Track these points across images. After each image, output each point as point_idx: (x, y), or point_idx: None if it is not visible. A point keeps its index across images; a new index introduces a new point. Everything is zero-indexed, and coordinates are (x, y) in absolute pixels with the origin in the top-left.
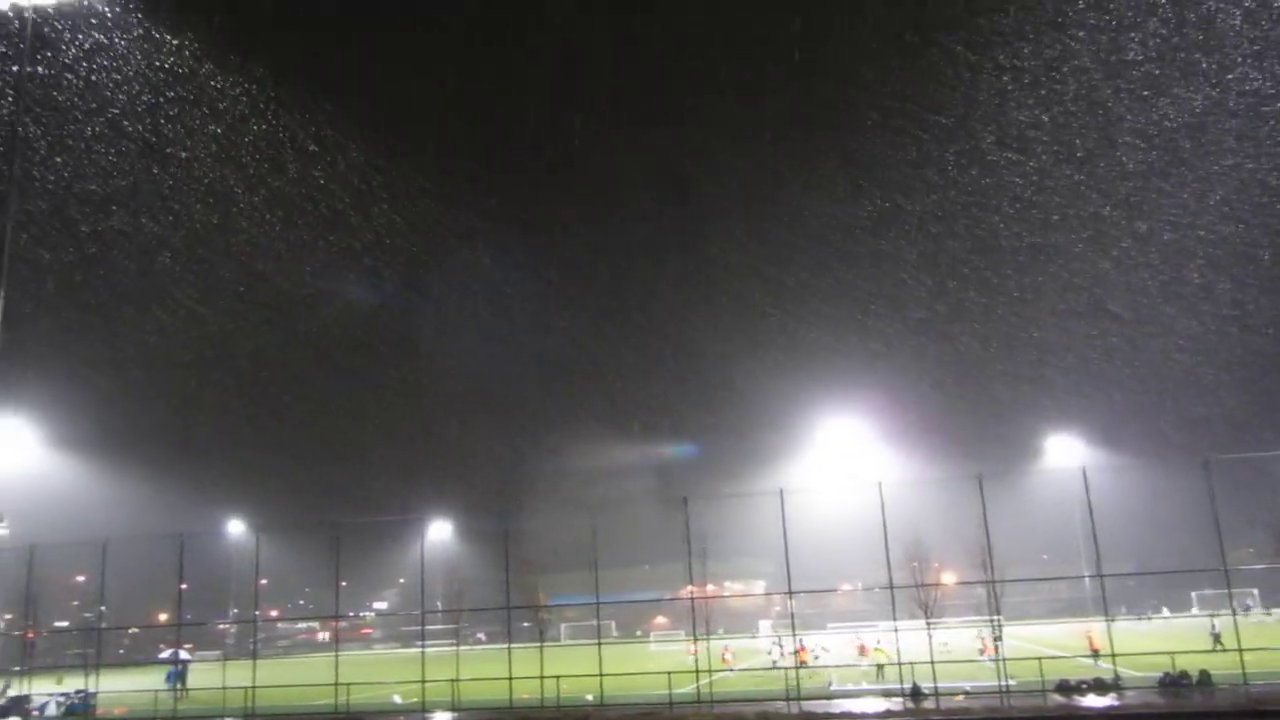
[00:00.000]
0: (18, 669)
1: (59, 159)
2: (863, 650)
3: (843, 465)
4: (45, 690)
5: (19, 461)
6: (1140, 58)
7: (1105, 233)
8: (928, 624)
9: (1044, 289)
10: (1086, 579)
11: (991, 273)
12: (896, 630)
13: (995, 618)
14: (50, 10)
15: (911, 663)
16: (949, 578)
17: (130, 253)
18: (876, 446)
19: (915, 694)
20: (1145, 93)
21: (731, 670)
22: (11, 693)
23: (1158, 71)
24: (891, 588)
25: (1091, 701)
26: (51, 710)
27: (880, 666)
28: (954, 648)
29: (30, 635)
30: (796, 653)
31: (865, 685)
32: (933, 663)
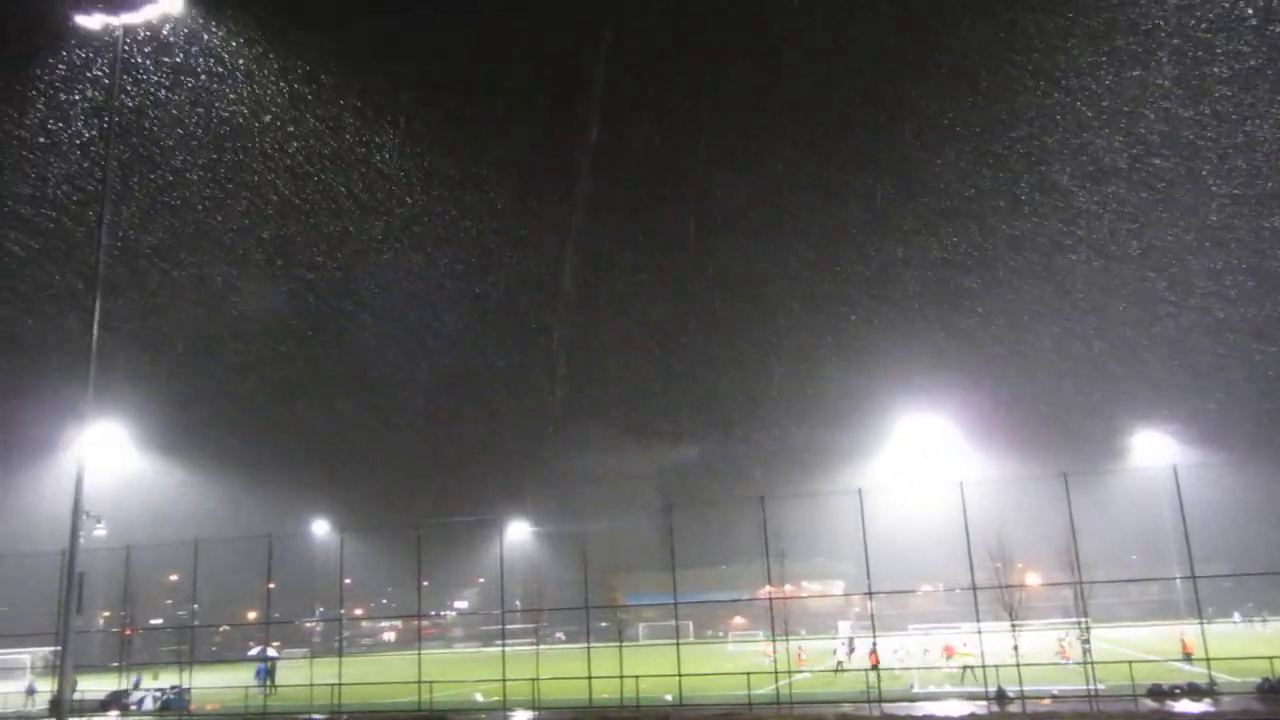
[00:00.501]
0: (116, 664)
1: (152, 175)
2: (948, 652)
3: (922, 464)
4: (142, 686)
5: (115, 465)
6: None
7: (1197, 229)
8: (1012, 626)
9: (1131, 283)
10: (1178, 580)
11: (1077, 267)
12: (980, 632)
13: (1082, 620)
14: (140, 29)
15: (996, 665)
16: (1033, 579)
17: (217, 259)
18: (957, 445)
19: (1000, 697)
20: (1233, 115)
21: (805, 672)
22: (112, 687)
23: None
24: (974, 589)
25: (1185, 707)
26: (148, 705)
27: (968, 669)
28: (1039, 650)
29: (128, 632)
30: (869, 655)
31: (948, 688)
32: (1018, 665)
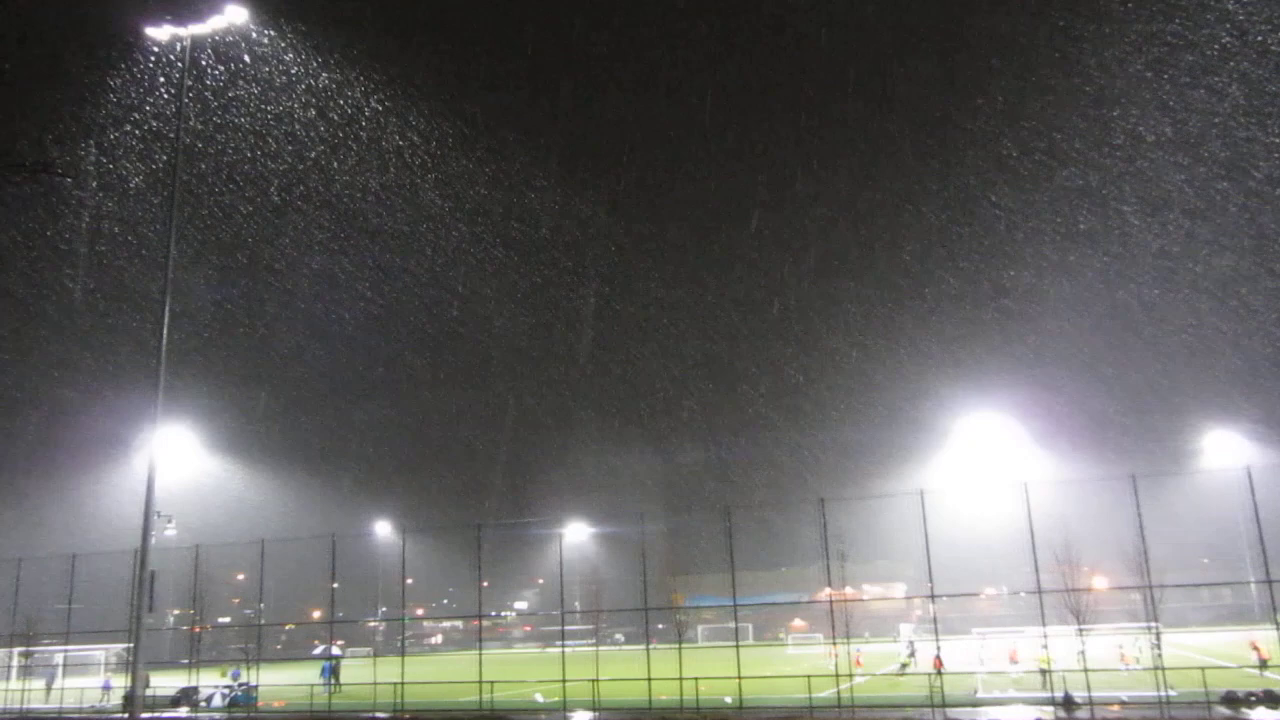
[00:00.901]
0: (186, 661)
1: (222, 186)
2: (1013, 657)
3: (986, 464)
4: (212, 682)
5: (185, 466)
6: None
7: (1273, 218)
8: (1080, 630)
9: (1201, 280)
10: (1253, 584)
11: (1146, 262)
12: (1046, 636)
13: (1153, 625)
14: (207, 39)
15: (1064, 670)
16: (1101, 582)
17: (283, 268)
18: (1022, 445)
19: (1068, 703)
20: None
21: (865, 675)
22: (181, 684)
23: None
24: (1040, 592)
25: (1261, 715)
26: (217, 701)
27: (1045, 672)
28: (1108, 656)
29: (197, 630)
30: (934, 660)
31: (1012, 692)
32: (1086, 671)
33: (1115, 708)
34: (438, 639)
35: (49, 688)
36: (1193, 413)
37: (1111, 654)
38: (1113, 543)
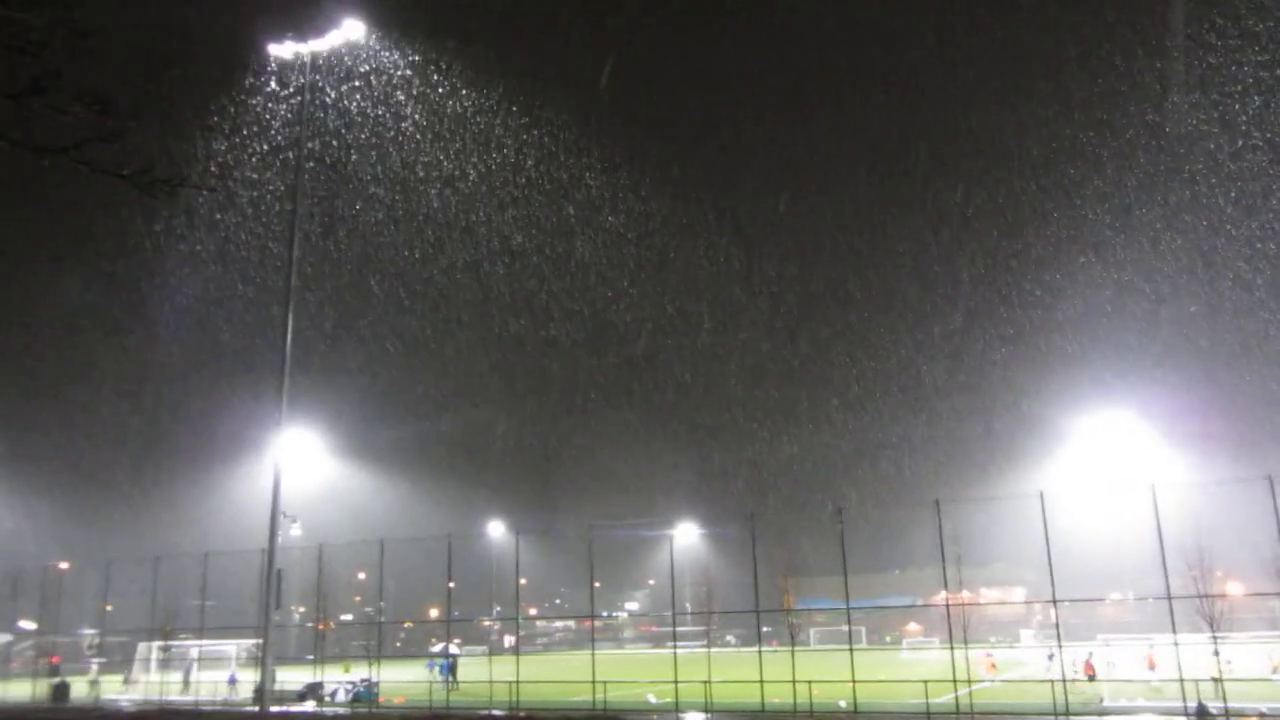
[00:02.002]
0: (311, 658)
1: (340, 200)
2: (1150, 663)
3: (1110, 465)
4: (335, 678)
5: (308, 469)
6: None
7: None
8: (1213, 638)
9: None
10: None
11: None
12: (1176, 644)
13: None
14: (325, 54)
15: (1195, 679)
16: (1236, 588)
17: (408, 273)
18: (1150, 444)
19: (1201, 714)
20: None
21: (986, 681)
22: (308, 679)
23: None
24: (1169, 598)
25: None
26: (340, 696)
27: (1181, 681)
28: (1245, 665)
29: (321, 627)
30: (1085, 666)
31: (1141, 701)
32: (1220, 680)
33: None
34: (551, 638)
35: (186, 681)
36: None
37: (1259, 663)
38: (1249, 547)
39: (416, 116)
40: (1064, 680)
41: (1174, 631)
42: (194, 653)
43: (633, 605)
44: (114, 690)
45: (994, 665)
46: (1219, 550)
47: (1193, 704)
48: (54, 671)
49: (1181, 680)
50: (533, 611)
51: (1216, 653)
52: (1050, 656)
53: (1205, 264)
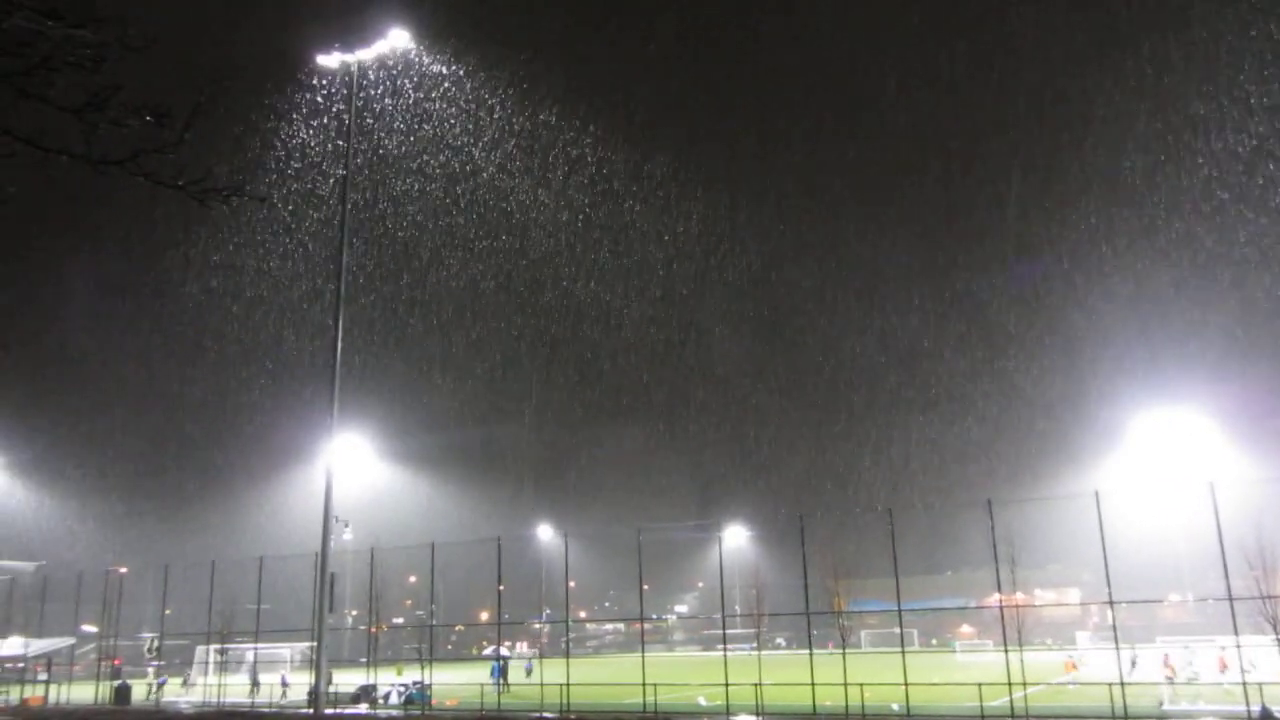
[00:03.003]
0: (364, 660)
1: (382, 203)
2: (1222, 665)
3: (1168, 463)
4: (388, 680)
5: (360, 473)
6: None
7: None
8: (1277, 639)
9: None
10: None
11: None
12: (1239, 646)
13: None
14: (371, 62)
15: (1260, 683)
16: None
17: (454, 275)
18: (1208, 441)
19: (1266, 717)
20: None
21: (1041, 685)
22: (361, 681)
23: None
24: (1230, 599)
25: None
26: (393, 699)
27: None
28: None
29: (374, 630)
30: (1164, 665)
31: (1202, 705)
32: None
33: None
34: (601, 640)
35: (254, 683)
36: None
37: None
38: None
39: (463, 122)
40: (1169, 680)
41: (1235, 633)
42: (249, 655)
43: (682, 608)
44: (174, 693)
45: (1074, 665)
46: None
47: (1256, 706)
48: (116, 674)
49: (1245, 683)
50: (582, 614)
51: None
52: (1134, 663)
53: (1268, 257)
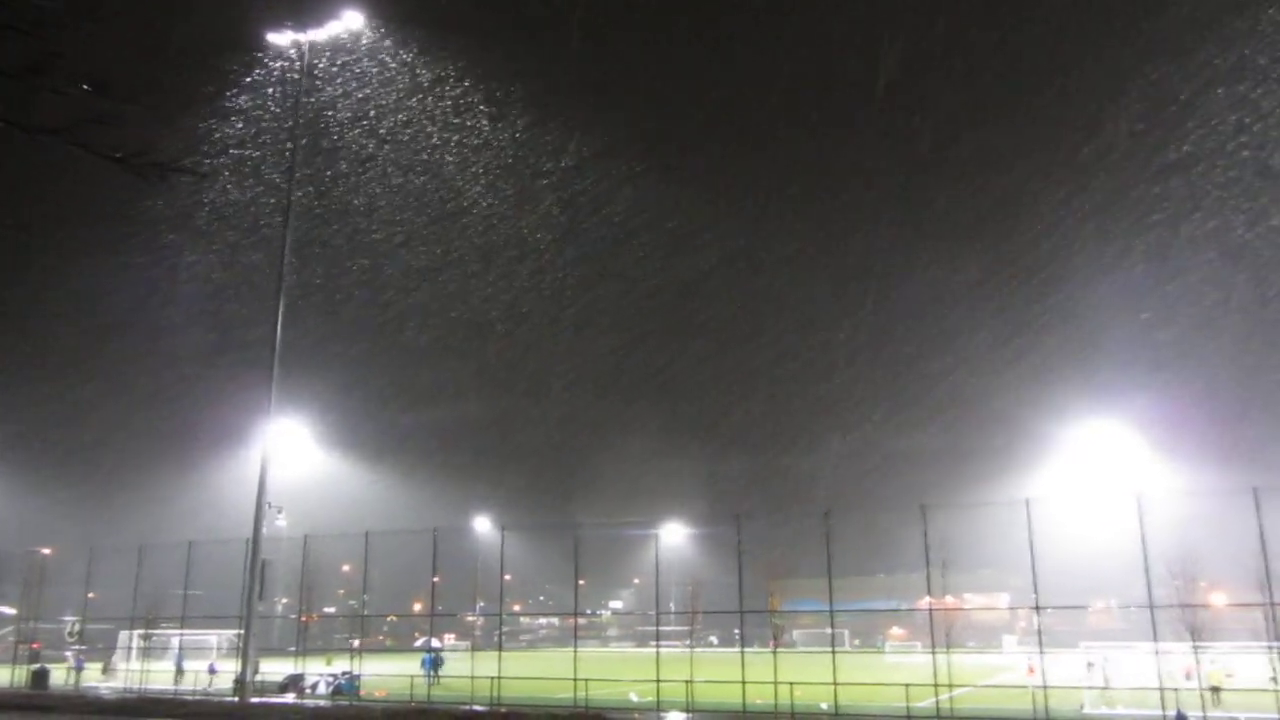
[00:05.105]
0: (293, 649)
1: (333, 189)
2: (1189, 673)
3: (1097, 473)
4: (317, 670)
5: (297, 459)
6: None
7: None
8: (1195, 648)
9: None
10: None
11: (1271, 261)
12: (1157, 653)
13: (1275, 644)
14: (324, 44)
15: (1176, 689)
16: (1219, 598)
17: (393, 266)
18: (1136, 453)
19: None
20: None
21: (967, 686)
22: (289, 670)
23: None
24: (1151, 606)
25: None
26: (322, 689)
27: (1216, 689)
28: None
29: (305, 619)
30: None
31: (1121, 710)
32: (1201, 691)
33: None
34: (535, 635)
35: (179, 669)
36: None
37: (1249, 673)
38: (1234, 558)
39: (412, 106)
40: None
41: (1155, 640)
42: (175, 642)
43: (617, 604)
44: (94, 678)
45: (1032, 670)
46: (1205, 560)
47: (1172, 712)
48: (34, 658)
49: (1162, 689)
50: (517, 608)
51: (1213, 661)
52: (1090, 664)
53: (1197, 277)
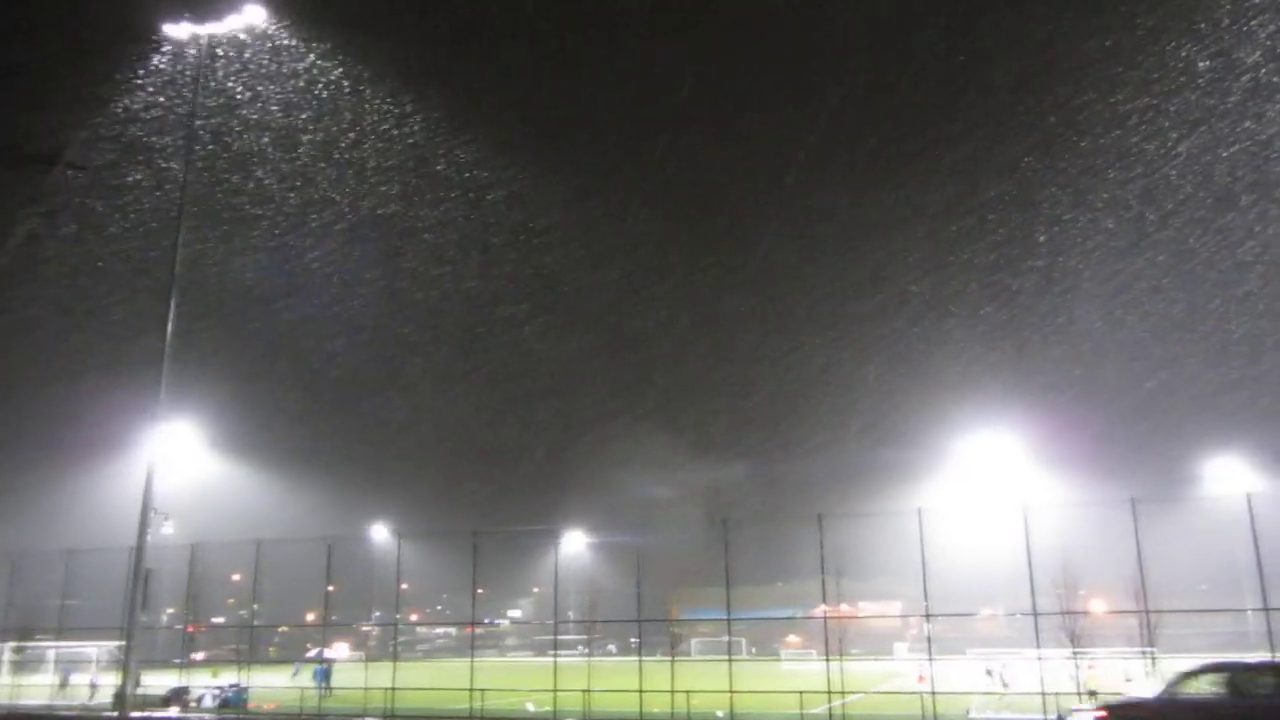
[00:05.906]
0: (178, 661)
1: (224, 181)
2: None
3: (986, 485)
4: (203, 683)
5: (186, 464)
6: None
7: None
8: (1074, 654)
9: (1203, 304)
10: (1250, 612)
11: (1146, 286)
12: (1040, 659)
13: (1149, 650)
14: (223, 38)
15: (1057, 693)
16: (1099, 606)
17: (288, 269)
18: (1022, 467)
19: None
20: None
21: (859, 693)
22: (173, 683)
23: None
24: (1035, 614)
25: None
26: (208, 702)
27: (1093, 693)
28: (1107, 679)
29: (191, 630)
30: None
31: (1007, 714)
32: (1079, 694)
33: None
34: (432, 644)
35: (63, 684)
36: (1194, 438)
37: (1118, 678)
38: (1112, 567)
39: (313, 103)
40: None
41: (1038, 646)
42: (51, 654)
43: (516, 613)
44: None
45: (923, 678)
46: (1085, 569)
47: (1053, 715)
48: None
49: (1044, 693)
50: (414, 617)
51: (1090, 666)
52: (989, 672)
53: (1080, 297)
